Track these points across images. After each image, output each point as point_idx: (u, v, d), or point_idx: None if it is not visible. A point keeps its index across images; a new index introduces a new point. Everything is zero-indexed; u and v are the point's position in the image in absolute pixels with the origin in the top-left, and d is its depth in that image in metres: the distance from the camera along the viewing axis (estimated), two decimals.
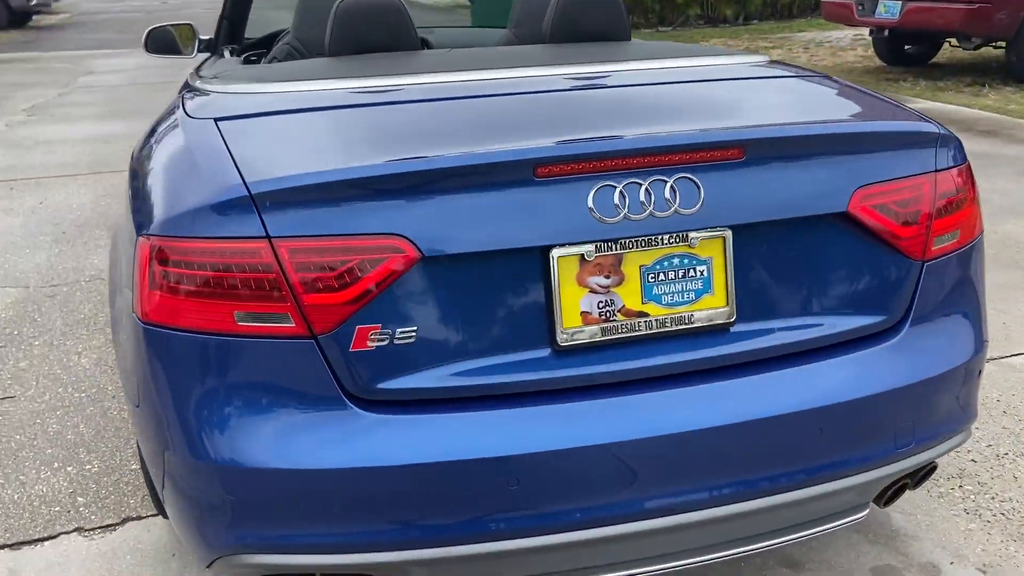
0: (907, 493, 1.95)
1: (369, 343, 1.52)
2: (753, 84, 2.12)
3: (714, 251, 1.63)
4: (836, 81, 2.14)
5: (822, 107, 2.02)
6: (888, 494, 1.89)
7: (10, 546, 2.31)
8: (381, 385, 1.54)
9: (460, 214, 1.52)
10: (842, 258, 1.71)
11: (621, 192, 1.55)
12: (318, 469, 1.51)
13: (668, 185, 1.57)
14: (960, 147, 1.86)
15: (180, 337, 1.53)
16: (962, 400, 1.84)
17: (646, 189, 1.56)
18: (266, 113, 1.87)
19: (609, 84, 2.05)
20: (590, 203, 1.54)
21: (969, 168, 1.87)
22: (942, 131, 1.80)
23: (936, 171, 1.77)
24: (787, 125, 1.74)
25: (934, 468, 1.96)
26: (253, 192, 1.49)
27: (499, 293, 1.57)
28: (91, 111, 8.44)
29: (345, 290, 1.49)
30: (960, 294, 1.84)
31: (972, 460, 2.58)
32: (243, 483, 1.53)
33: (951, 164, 1.80)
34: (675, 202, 1.57)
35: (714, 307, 1.64)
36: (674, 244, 1.61)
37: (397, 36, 2.46)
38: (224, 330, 1.51)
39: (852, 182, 1.68)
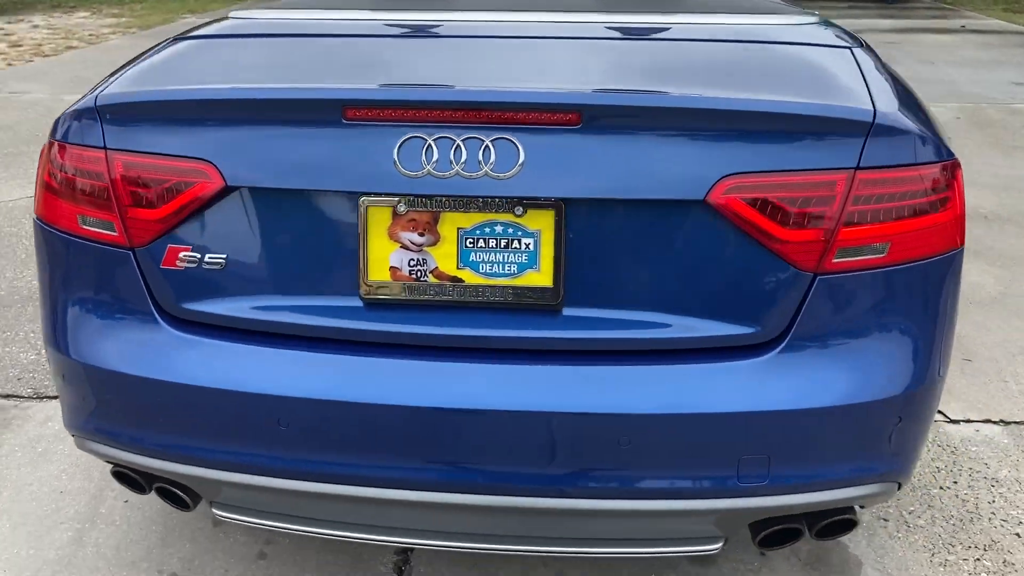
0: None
1: (179, 263, 1.56)
2: (733, 48, 1.82)
3: (543, 224, 1.48)
4: (854, 56, 1.79)
5: (768, 81, 1.64)
6: (764, 535, 1.64)
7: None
8: (186, 305, 1.58)
9: (270, 149, 1.50)
10: (706, 255, 1.48)
11: (430, 146, 1.45)
12: (123, 373, 1.59)
13: (484, 144, 1.44)
14: (932, 144, 1.51)
15: (49, 232, 1.67)
16: (866, 446, 1.54)
17: (458, 146, 1.44)
18: (226, 36, 1.93)
19: (574, 35, 1.86)
20: (395, 154, 1.46)
21: (947, 171, 1.53)
22: (890, 121, 1.47)
23: (857, 168, 1.46)
24: (643, 93, 1.49)
25: (850, 523, 1.67)
26: (97, 105, 1.58)
27: (310, 235, 1.54)
28: None
29: (159, 208, 1.54)
30: (885, 320, 1.52)
31: None
32: (74, 373, 1.66)
33: (892, 163, 1.48)
34: (486, 164, 1.44)
35: (537, 284, 1.50)
36: (498, 210, 1.48)
37: None
38: (72, 230, 1.63)
39: (720, 168, 1.44)
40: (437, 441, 1.50)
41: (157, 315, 1.59)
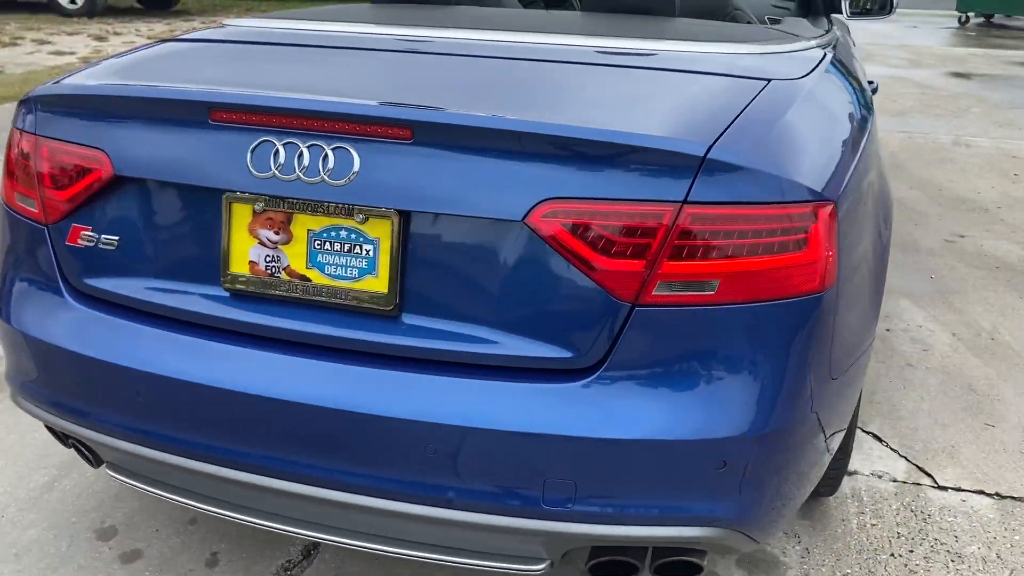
0: None
1: (80, 241, 1.74)
2: (628, 74, 1.80)
3: (382, 232, 1.54)
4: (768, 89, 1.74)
5: (627, 110, 1.61)
6: (593, 563, 1.63)
7: None
8: (87, 280, 1.75)
9: (153, 144, 1.65)
10: (528, 276, 1.49)
11: (278, 150, 1.55)
12: (35, 338, 1.78)
13: (324, 152, 1.53)
14: (782, 184, 1.46)
15: (3, 208, 1.90)
16: (683, 486, 1.50)
17: (302, 152, 1.54)
18: (201, 40, 2.12)
19: (516, 56, 1.88)
20: (248, 155, 1.57)
21: (799, 214, 1.47)
22: (726, 158, 1.43)
23: (685, 202, 1.43)
24: (469, 114, 1.51)
25: (694, 567, 1.63)
26: (32, 96, 1.79)
27: (184, 226, 1.67)
28: None
29: (66, 189, 1.72)
30: (710, 360, 1.48)
31: None
32: (5, 334, 1.87)
33: (726, 199, 1.44)
34: (324, 171, 1.52)
35: (374, 290, 1.56)
36: (343, 215, 1.56)
37: None
38: (12, 206, 1.84)
39: (541, 191, 1.45)
40: (267, 429, 1.59)
41: (63, 287, 1.78)
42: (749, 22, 2.89)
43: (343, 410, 1.53)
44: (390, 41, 2.03)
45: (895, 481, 2.46)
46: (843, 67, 2.31)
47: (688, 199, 1.44)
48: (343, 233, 1.57)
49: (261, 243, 1.61)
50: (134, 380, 1.66)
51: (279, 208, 1.59)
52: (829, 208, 1.53)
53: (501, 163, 1.48)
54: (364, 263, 1.57)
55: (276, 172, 1.55)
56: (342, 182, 1.52)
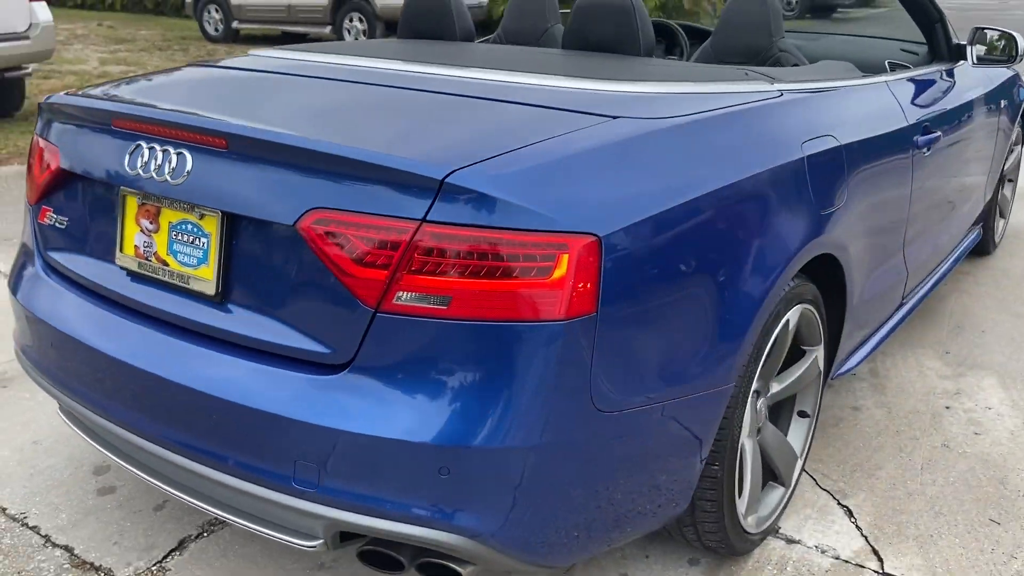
0: None
1: (46, 219, 2.15)
2: (502, 108, 1.92)
3: (212, 228, 1.80)
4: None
5: (420, 134, 1.79)
6: (361, 551, 1.75)
7: None
8: (49, 252, 2.16)
9: (83, 144, 2.03)
10: (301, 276, 1.68)
11: (145, 153, 1.85)
12: (20, 303, 2.20)
13: (171, 156, 1.81)
14: (526, 213, 1.54)
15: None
16: (413, 488, 1.60)
17: (158, 155, 1.83)
18: (214, 66, 2.51)
19: (437, 89, 2.08)
20: (128, 157, 1.88)
21: (540, 242, 1.54)
22: (465, 183, 1.54)
23: (424, 221, 1.55)
24: (264, 129, 1.74)
25: (451, 571, 1.71)
26: (41, 103, 2.24)
27: (100, 212, 2.03)
28: None
29: (39, 177, 2.15)
30: (438, 370, 1.57)
31: None
32: (10, 298, 2.33)
33: (464, 222, 1.54)
34: (168, 172, 1.80)
35: (203, 278, 1.82)
36: (188, 211, 1.83)
37: (440, 27, 2.79)
38: (27, 195, 2.31)
39: (311, 201, 1.63)
40: (129, 390, 1.89)
41: (40, 259, 2.20)
42: (796, 64, 2.81)
43: (169, 380, 1.79)
44: (345, 71, 2.29)
45: (836, 559, 2.29)
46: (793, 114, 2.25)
47: (427, 218, 1.55)
48: (189, 226, 1.84)
49: (142, 231, 1.92)
50: (55, 338, 2.04)
51: (150, 202, 1.89)
52: (586, 241, 1.56)
53: (286, 174, 1.69)
54: (201, 254, 1.82)
55: (139, 171, 1.86)
56: (180, 181, 1.79)
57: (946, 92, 3.29)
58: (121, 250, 1.97)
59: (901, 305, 3.11)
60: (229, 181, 1.75)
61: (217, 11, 14.93)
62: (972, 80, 3.62)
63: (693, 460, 1.92)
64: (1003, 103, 3.96)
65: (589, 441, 1.66)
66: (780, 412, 2.46)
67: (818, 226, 2.14)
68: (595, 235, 1.58)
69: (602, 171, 1.70)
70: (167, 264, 1.88)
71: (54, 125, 2.15)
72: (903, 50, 3.82)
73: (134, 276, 1.96)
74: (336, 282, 1.62)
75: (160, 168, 1.83)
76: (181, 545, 2.30)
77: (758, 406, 2.22)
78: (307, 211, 1.64)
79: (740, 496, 2.16)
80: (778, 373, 2.30)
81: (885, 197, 2.59)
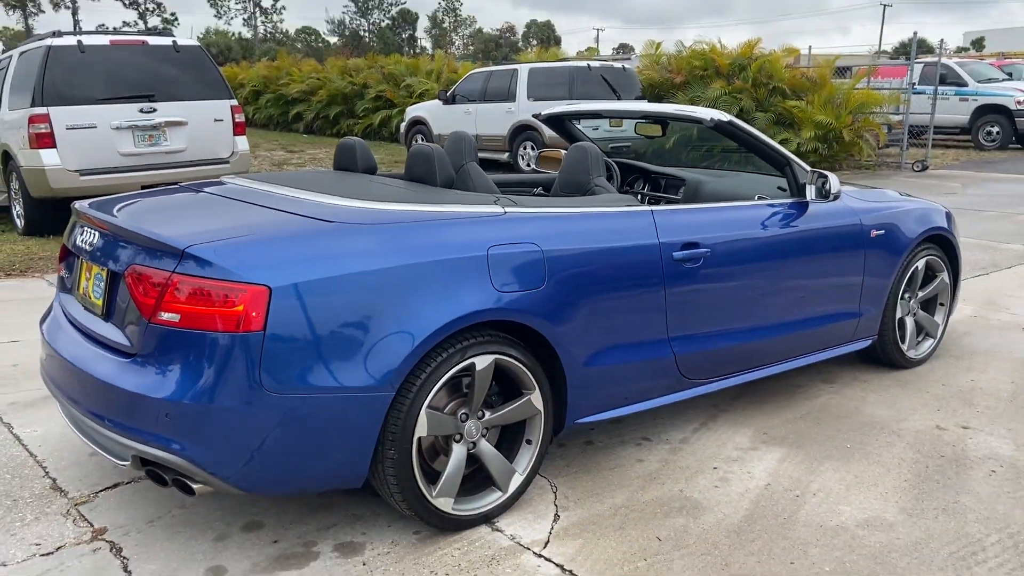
0: None
1: (61, 272, 3.62)
2: (276, 214, 3.15)
3: (104, 276, 3.15)
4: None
5: (215, 225, 3.03)
6: (146, 469, 2.96)
7: None
8: (59, 292, 3.62)
9: (73, 230, 3.49)
10: (127, 302, 2.97)
11: (85, 233, 3.26)
12: (40, 329, 3.68)
13: (94, 236, 3.20)
14: (222, 270, 2.75)
15: None
16: (159, 426, 2.80)
17: (88, 236, 3.23)
18: (195, 189, 3.96)
19: (257, 202, 3.38)
20: (78, 236, 3.30)
21: (199, 287, 2.75)
22: (194, 252, 2.77)
23: (174, 272, 2.80)
24: (119, 221, 3.09)
25: (177, 482, 2.89)
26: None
27: (73, 269, 3.46)
28: None
29: (61, 251, 3.64)
30: (177, 354, 2.78)
31: None
32: None
33: (192, 273, 2.77)
34: (88, 246, 3.19)
35: (100, 304, 3.16)
36: (97, 266, 3.20)
37: (348, 162, 4.12)
38: None
39: (132, 260, 2.94)
40: (62, 372, 3.26)
41: (56, 296, 3.67)
42: (606, 193, 3.86)
43: (70, 361, 3.14)
44: (244, 191, 3.61)
45: (514, 542, 3.18)
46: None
47: (175, 271, 2.81)
48: (97, 273, 3.20)
49: (84, 278, 3.32)
50: (47, 350, 3.46)
51: (83, 259, 3.29)
52: (260, 289, 2.74)
53: (128, 246, 3.02)
54: (100, 291, 3.18)
55: (83, 246, 3.27)
56: (92, 250, 3.17)
57: (765, 221, 4.12)
58: (77, 289, 3.37)
59: (692, 381, 3.91)
60: (109, 251, 3.10)
61: (423, 139, 17.32)
62: (825, 213, 4.40)
63: (360, 442, 2.96)
64: (877, 234, 4.63)
65: (260, 410, 2.78)
66: (513, 436, 3.42)
67: (496, 301, 3.15)
68: (267, 285, 2.75)
69: (287, 250, 2.87)
70: (88, 296, 3.26)
71: (71, 220, 3.64)
72: (780, 188, 4.64)
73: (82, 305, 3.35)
74: (136, 306, 2.90)
75: (88, 243, 3.22)
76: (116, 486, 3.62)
77: (467, 425, 3.22)
78: (129, 265, 2.95)
79: (435, 483, 3.15)
80: (498, 406, 3.30)
81: (613, 293, 3.50)
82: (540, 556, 3.11)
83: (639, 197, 5.35)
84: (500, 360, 3.23)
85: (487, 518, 3.33)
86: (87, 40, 8.92)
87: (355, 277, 2.91)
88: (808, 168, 4.43)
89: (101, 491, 3.57)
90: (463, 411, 3.22)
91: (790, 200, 4.41)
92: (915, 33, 16.70)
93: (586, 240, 3.48)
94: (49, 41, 8.79)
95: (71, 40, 8.82)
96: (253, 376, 2.77)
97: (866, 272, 4.61)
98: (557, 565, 3.05)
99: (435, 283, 3.06)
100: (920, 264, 4.96)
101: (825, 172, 4.41)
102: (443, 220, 3.21)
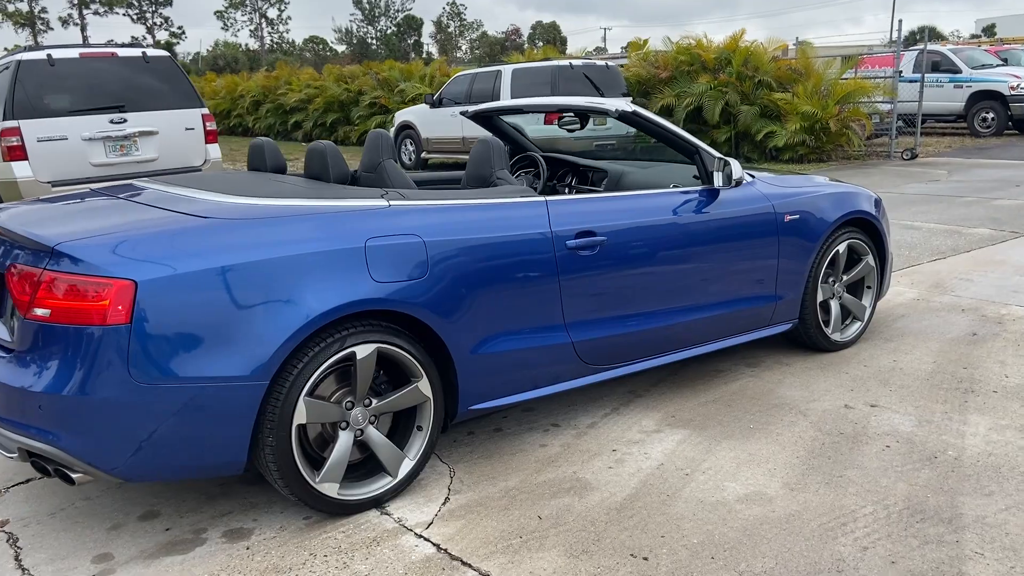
0: None
1: None
2: (166, 213, 3.25)
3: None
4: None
5: (103, 225, 3.13)
6: (32, 459, 3.07)
7: None
8: None
9: None
10: (7, 300, 3.08)
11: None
12: None
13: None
14: (86, 264, 2.86)
15: None
16: (39, 418, 2.90)
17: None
18: (105, 193, 4.08)
19: (162, 205, 3.49)
20: None
21: (83, 284, 2.85)
22: (64, 249, 2.88)
23: (44, 269, 2.91)
24: (10, 224, 3.18)
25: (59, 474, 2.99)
26: None
27: None
28: None
29: None
30: (52, 348, 2.89)
31: None
32: None
33: (66, 270, 2.88)
34: None
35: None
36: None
37: (259, 163, 4.23)
38: None
39: (11, 259, 3.05)
40: None
41: None
42: (508, 185, 3.95)
43: None
44: (150, 194, 3.72)
45: (399, 524, 3.27)
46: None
47: (46, 268, 2.92)
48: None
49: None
50: None
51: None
52: (125, 283, 2.85)
53: (9, 246, 3.13)
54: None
55: None
56: None
57: (669, 208, 4.20)
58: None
59: (595, 367, 3.98)
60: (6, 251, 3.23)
61: (412, 143, 17.44)
62: (734, 199, 4.46)
63: (235, 430, 3.05)
64: (791, 218, 4.68)
65: (127, 399, 2.88)
66: (408, 423, 3.51)
67: (374, 292, 3.24)
68: (134, 280, 2.86)
69: (157, 247, 2.97)
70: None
71: None
72: (693, 178, 4.70)
73: None
74: (14, 303, 3.01)
75: None
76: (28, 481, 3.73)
77: (353, 413, 3.31)
78: (8, 264, 3.06)
79: (319, 469, 3.24)
80: (383, 394, 3.39)
81: (502, 282, 3.58)
82: (420, 537, 3.19)
83: (567, 189, 5.42)
84: (384, 349, 3.32)
85: (377, 502, 3.42)
86: (56, 53, 9.08)
87: (225, 270, 3.01)
88: (716, 155, 4.49)
89: (12, 486, 3.68)
90: (349, 399, 3.31)
91: (699, 188, 4.47)
92: (919, 28, 16.61)
93: (472, 230, 3.56)
94: (19, 55, 8.97)
95: (40, 54, 8.99)
96: (122, 368, 2.87)
97: (781, 256, 4.66)
98: (434, 544, 3.13)
99: (308, 275, 3.15)
100: (841, 248, 5.00)
101: (728, 158, 4.47)
102: (321, 214, 3.30)
